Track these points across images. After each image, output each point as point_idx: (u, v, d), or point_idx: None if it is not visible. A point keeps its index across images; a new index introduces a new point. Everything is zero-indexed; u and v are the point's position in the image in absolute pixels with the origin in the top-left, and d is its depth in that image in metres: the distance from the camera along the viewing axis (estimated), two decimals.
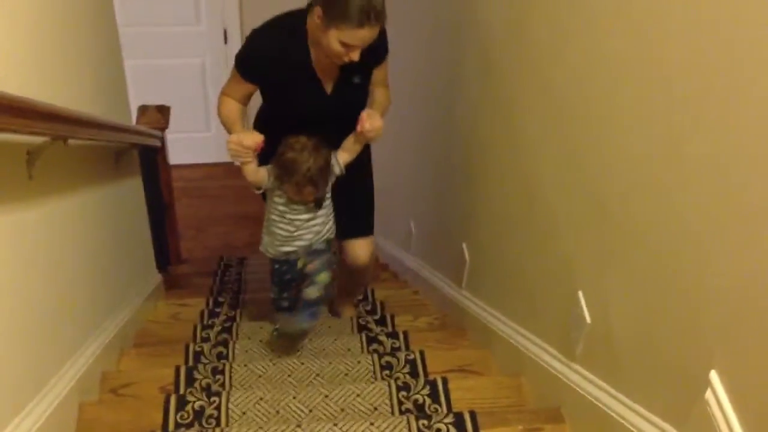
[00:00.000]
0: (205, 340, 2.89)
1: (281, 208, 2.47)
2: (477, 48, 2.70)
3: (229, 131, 2.48)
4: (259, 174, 2.42)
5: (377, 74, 2.55)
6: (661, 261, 1.50)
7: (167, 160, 4.34)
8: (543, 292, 2.14)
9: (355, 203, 2.74)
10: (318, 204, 2.46)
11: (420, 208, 3.62)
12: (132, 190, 3.25)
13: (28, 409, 1.79)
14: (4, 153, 1.71)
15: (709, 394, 1.32)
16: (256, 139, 2.32)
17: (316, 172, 2.31)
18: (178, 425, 2.09)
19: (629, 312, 1.66)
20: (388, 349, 2.67)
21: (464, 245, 2.86)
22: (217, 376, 2.42)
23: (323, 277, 2.60)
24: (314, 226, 2.51)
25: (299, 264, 2.58)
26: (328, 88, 2.48)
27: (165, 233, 4.27)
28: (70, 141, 2.06)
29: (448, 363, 2.50)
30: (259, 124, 2.66)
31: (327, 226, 2.56)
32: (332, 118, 2.47)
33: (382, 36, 2.37)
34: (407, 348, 2.69)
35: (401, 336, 2.76)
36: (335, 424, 1.94)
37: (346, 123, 2.42)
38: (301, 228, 2.49)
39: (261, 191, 2.49)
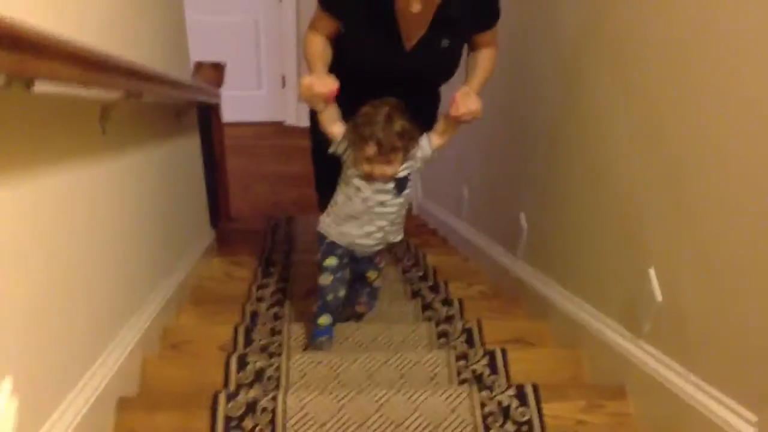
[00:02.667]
0: (260, 300, 2.91)
1: (356, 181, 2.18)
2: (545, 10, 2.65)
3: (310, 68, 2.24)
4: (334, 127, 2.16)
5: (483, 37, 2.28)
6: (738, 238, 1.48)
7: (221, 118, 4.36)
8: (609, 267, 2.12)
9: None
10: (399, 186, 2.19)
11: (474, 173, 3.60)
12: (190, 147, 3.27)
13: (101, 360, 1.83)
14: (81, 108, 1.72)
15: None
16: (328, 85, 2.06)
17: (389, 134, 2.03)
18: (239, 385, 2.11)
19: (704, 290, 1.63)
20: (443, 317, 2.67)
21: (522, 214, 2.84)
22: (275, 337, 2.44)
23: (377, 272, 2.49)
24: (390, 213, 2.24)
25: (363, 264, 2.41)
26: (408, 41, 2.20)
27: (218, 191, 4.31)
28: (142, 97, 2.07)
29: (503, 333, 2.49)
30: (334, 72, 2.25)
31: (399, 223, 2.31)
32: (408, 79, 2.19)
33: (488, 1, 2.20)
34: (461, 316, 2.69)
35: (456, 304, 2.75)
36: (398, 390, 1.94)
37: (426, 89, 2.25)
38: (374, 210, 2.21)
39: (333, 151, 2.20)
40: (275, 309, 2.73)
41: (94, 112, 1.82)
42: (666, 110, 1.77)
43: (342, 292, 2.35)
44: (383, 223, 2.25)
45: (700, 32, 1.62)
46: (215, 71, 4.01)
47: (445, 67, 2.27)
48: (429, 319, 2.63)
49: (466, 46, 2.32)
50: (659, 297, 1.80)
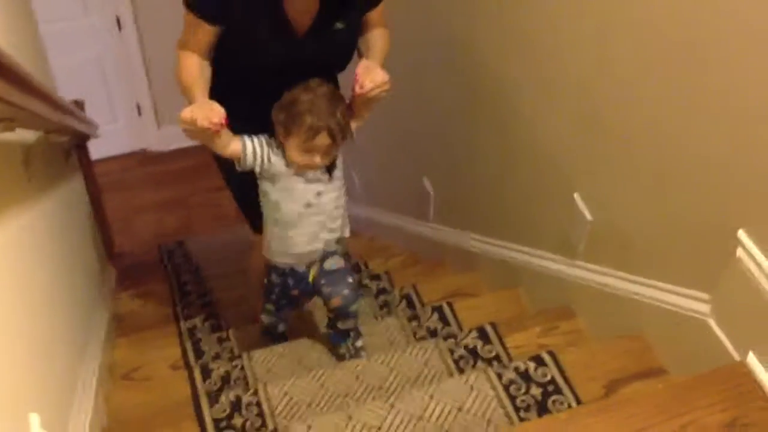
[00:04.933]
0: (191, 317, 2.90)
1: (283, 182, 1.93)
2: None
3: (187, 97, 1.91)
4: (232, 145, 1.88)
5: (372, 15, 2.06)
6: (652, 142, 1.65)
7: (89, 155, 4.25)
8: (532, 204, 2.27)
9: None
10: (329, 170, 1.95)
11: (363, 155, 3.69)
12: (79, 187, 3.20)
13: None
14: (4, 153, 1.69)
15: (740, 252, 1.47)
16: (212, 116, 1.72)
17: (338, 119, 1.81)
18: (209, 393, 2.13)
19: (630, 198, 1.79)
20: (376, 291, 2.77)
21: (425, 178, 2.97)
22: (224, 344, 2.46)
23: (354, 307, 2.13)
24: (328, 203, 1.97)
25: (310, 273, 2.11)
26: (300, 28, 1.94)
27: (101, 229, 4.20)
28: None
29: (439, 292, 2.61)
30: (218, 89, 1.97)
31: (341, 210, 2.06)
32: (308, 73, 1.91)
33: None
34: (392, 286, 2.79)
35: (384, 276, 2.85)
36: (368, 358, 2.03)
37: (329, 80, 1.95)
38: (312, 206, 1.96)
39: (241, 168, 1.94)
40: (211, 321, 2.74)
41: (17, 157, 1.79)
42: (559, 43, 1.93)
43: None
44: (322, 217, 1.99)
45: None
46: (78, 108, 3.91)
47: (343, 51, 2.06)
48: (364, 296, 2.71)
49: None
50: (589, 216, 1.96)
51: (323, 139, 1.81)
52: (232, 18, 1.89)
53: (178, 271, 3.82)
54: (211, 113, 1.73)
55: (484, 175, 2.53)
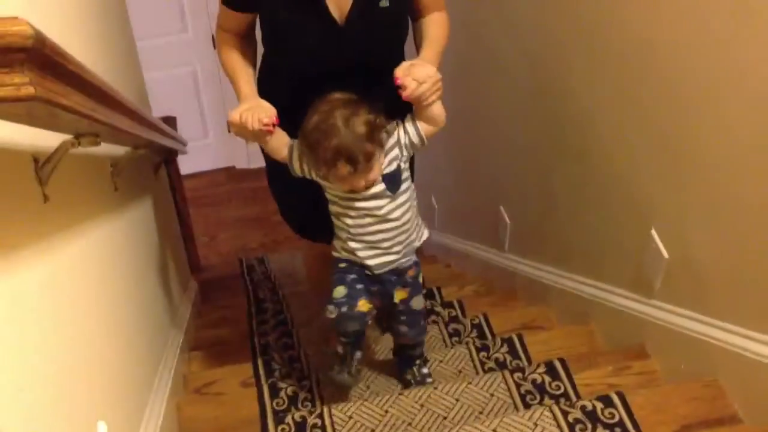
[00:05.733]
0: (264, 334, 2.95)
1: (338, 195, 1.81)
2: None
3: (233, 87, 1.87)
4: (286, 150, 1.80)
5: None
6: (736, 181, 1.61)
7: (179, 170, 4.40)
8: (608, 237, 2.23)
9: None
10: (391, 185, 1.77)
11: (441, 180, 3.70)
12: (167, 200, 3.31)
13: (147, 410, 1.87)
14: (95, 164, 1.77)
15: None
16: (264, 116, 1.66)
17: (356, 141, 1.61)
18: (276, 411, 2.16)
19: (709, 237, 1.74)
20: (447, 319, 2.76)
21: (502, 208, 2.96)
22: (295, 364, 2.49)
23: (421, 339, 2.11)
24: (394, 218, 1.81)
25: (396, 293, 1.97)
26: (339, 13, 1.75)
27: (186, 243, 4.33)
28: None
29: (510, 323, 2.59)
30: (263, 84, 1.92)
31: (412, 221, 1.88)
32: (352, 65, 1.78)
33: None
34: (464, 315, 2.78)
35: (456, 305, 2.85)
36: (435, 387, 2.02)
37: (378, 73, 1.75)
38: (375, 222, 1.80)
39: (298, 175, 1.83)
40: (284, 339, 2.78)
41: (105, 168, 1.87)
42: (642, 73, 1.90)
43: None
44: (391, 233, 1.84)
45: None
46: (169, 125, 4.05)
47: (391, 35, 1.86)
48: (435, 323, 2.71)
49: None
50: (666, 254, 1.92)
51: (343, 168, 1.64)
52: (262, 7, 1.79)
53: (256, 288, 3.89)
54: (261, 114, 1.67)
55: (559, 206, 2.51)
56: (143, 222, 2.39)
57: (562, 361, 2.07)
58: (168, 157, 3.73)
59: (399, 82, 1.64)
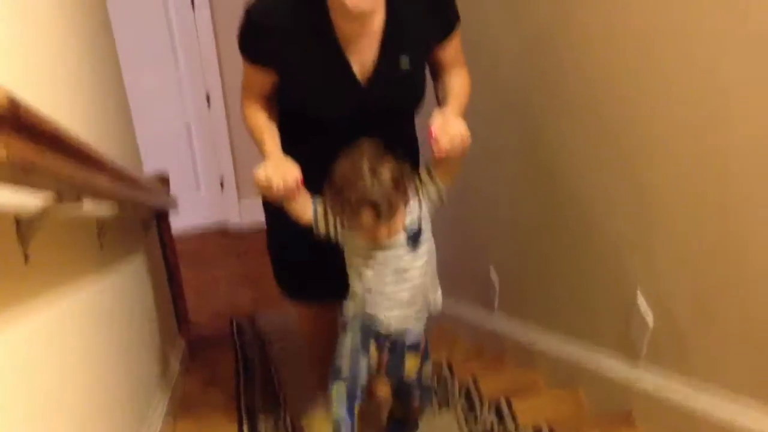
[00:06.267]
0: (251, 395, 2.92)
1: (359, 250, 1.77)
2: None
3: (258, 148, 1.86)
4: (307, 211, 1.79)
5: (446, 52, 1.87)
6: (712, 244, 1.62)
7: (170, 227, 4.39)
8: (595, 301, 2.23)
9: None
10: (412, 240, 1.75)
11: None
12: (155, 258, 3.29)
13: None
14: (81, 224, 1.77)
15: None
16: (289, 175, 1.67)
17: (382, 190, 1.59)
18: None
19: (695, 303, 1.74)
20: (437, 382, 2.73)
21: (491, 267, 2.95)
22: (279, 424, 2.46)
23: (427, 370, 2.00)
24: (415, 275, 1.77)
25: (405, 365, 1.90)
26: (361, 72, 1.79)
27: (175, 299, 4.30)
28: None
29: (498, 386, 2.56)
30: (286, 136, 1.90)
31: (430, 280, 1.87)
32: (373, 118, 1.79)
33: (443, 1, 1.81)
34: (452, 377, 2.75)
35: (445, 367, 2.82)
36: None
37: (395, 127, 1.84)
38: (395, 277, 1.76)
39: (323, 234, 1.82)
40: (271, 400, 2.75)
41: (91, 227, 1.87)
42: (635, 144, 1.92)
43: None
44: (410, 291, 1.78)
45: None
46: (161, 183, 4.06)
47: (412, 94, 1.88)
48: None
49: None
50: (651, 318, 1.91)
51: (368, 216, 1.62)
52: (279, 62, 1.80)
53: (245, 347, 3.86)
54: (286, 174, 1.67)
55: (548, 268, 2.51)
56: (130, 280, 2.38)
57: (550, 428, 2.05)
58: (159, 215, 3.73)
59: (435, 136, 1.63)
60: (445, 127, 1.64)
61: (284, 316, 4.24)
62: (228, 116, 5.42)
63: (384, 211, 1.61)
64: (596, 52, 1.99)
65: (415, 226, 1.76)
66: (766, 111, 1.41)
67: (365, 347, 1.82)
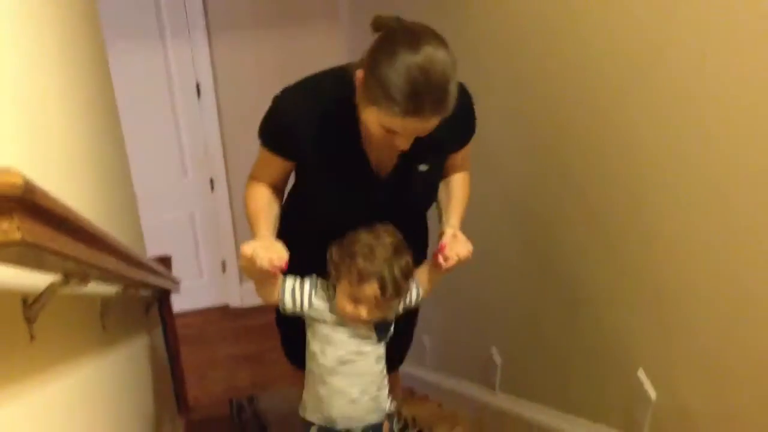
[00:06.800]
0: None
1: (324, 329, 1.79)
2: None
3: (251, 227, 1.81)
4: (273, 296, 1.79)
5: (456, 157, 1.91)
6: (721, 326, 1.64)
7: (171, 309, 4.41)
8: (597, 379, 2.23)
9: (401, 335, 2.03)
10: (381, 331, 1.81)
11: (434, 320, 3.72)
12: (157, 340, 3.31)
13: None
14: (84, 304, 1.80)
15: None
16: (275, 258, 1.60)
17: (396, 272, 1.65)
18: None
19: (696, 382, 1.76)
20: None
21: (493, 348, 2.97)
22: None
23: None
24: (367, 366, 1.82)
25: None
26: (381, 173, 1.81)
27: (175, 382, 4.29)
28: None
29: None
30: (286, 225, 1.90)
31: (383, 379, 1.89)
32: (385, 215, 1.78)
33: (465, 115, 1.78)
34: None
35: None
36: None
37: (407, 223, 1.81)
38: (347, 364, 1.80)
39: (284, 312, 1.82)
40: None
41: (96, 308, 1.90)
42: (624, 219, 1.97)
43: None
44: (358, 381, 1.83)
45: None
46: (163, 265, 4.10)
47: (425, 194, 1.90)
48: None
49: None
50: (653, 395, 1.92)
51: (372, 289, 1.64)
52: (301, 157, 1.80)
53: (245, 428, 3.84)
54: (273, 255, 1.61)
55: (550, 347, 2.52)
56: (131, 362, 2.39)
57: None
58: (161, 296, 3.77)
59: (445, 252, 1.72)
60: (456, 246, 1.73)
61: (283, 397, 4.23)
62: (231, 200, 5.49)
63: (389, 292, 1.65)
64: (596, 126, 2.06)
65: (390, 321, 1.83)
66: None
67: None
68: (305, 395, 1.91)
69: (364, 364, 1.81)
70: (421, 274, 1.86)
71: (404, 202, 1.85)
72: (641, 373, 1.95)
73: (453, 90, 1.49)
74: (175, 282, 3.33)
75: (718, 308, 1.63)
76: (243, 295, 5.74)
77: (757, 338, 1.52)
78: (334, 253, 1.72)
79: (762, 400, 1.54)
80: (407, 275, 1.69)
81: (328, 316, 1.77)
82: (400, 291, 1.69)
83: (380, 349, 1.83)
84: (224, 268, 5.72)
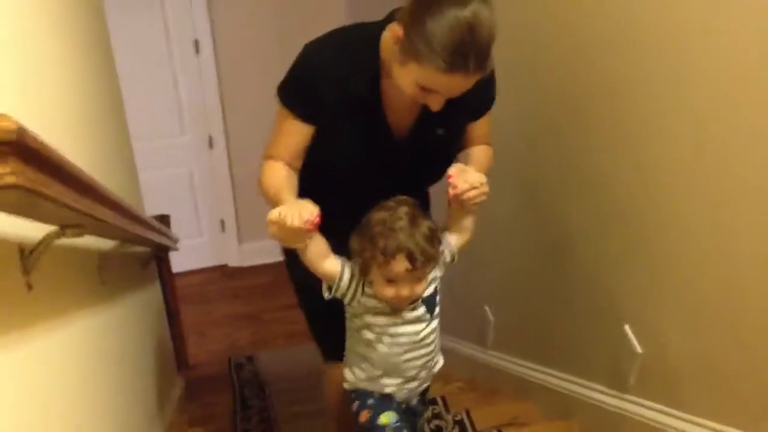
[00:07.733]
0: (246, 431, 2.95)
1: (371, 320, 1.70)
2: None
3: (274, 203, 1.62)
4: (326, 263, 1.66)
5: (475, 128, 1.87)
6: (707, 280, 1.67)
7: (170, 267, 4.44)
8: (586, 334, 2.28)
9: None
10: (430, 307, 1.73)
11: None
12: (155, 297, 3.35)
13: None
14: (81, 258, 1.82)
15: None
16: (306, 213, 1.49)
17: (420, 240, 1.57)
18: None
19: (682, 333, 1.80)
20: (430, 416, 2.76)
21: (486, 307, 3.00)
22: None
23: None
24: (428, 345, 1.76)
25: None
26: (397, 135, 1.78)
27: (175, 340, 4.33)
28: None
29: (492, 419, 2.59)
30: (300, 193, 1.74)
31: (438, 345, 1.85)
32: (398, 177, 1.74)
33: (488, 82, 1.72)
34: (447, 411, 2.79)
35: (439, 401, 2.85)
36: None
37: (416, 188, 1.79)
38: (411, 349, 1.72)
39: (332, 295, 1.69)
40: None
41: (92, 261, 1.92)
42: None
43: None
44: (422, 360, 1.77)
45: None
46: (162, 223, 4.12)
47: (439, 160, 1.80)
48: None
49: None
50: (639, 349, 1.96)
51: (401, 264, 1.56)
52: (326, 116, 1.73)
53: (243, 385, 3.89)
54: (303, 211, 1.50)
55: (540, 305, 2.56)
56: (130, 317, 2.42)
57: None
58: (159, 254, 3.79)
59: (451, 180, 1.61)
60: (464, 174, 1.62)
61: (281, 356, 4.29)
62: (230, 158, 5.49)
63: (419, 261, 1.57)
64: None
65: (434, 294, 1.75)
66: None
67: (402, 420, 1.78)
68: (356, 370, 1.80)
69: (421, 345, 1.74)
70: (451, 223, 1.77)
71: (418, 167, 1.81)
72: (627, 328, 1.99)
73: (492, 50, 1.47)
74: (173, 239, 3.35)
75: (705, 265, 1.66)
76: (242, 255, 5.76)
77: (743, 289, 1.56)
78: (354, 243, 1.64)
79: (741, 348, 1.60)
80: (431, 240, 1.60)
81: (380, 308, 1.68)
82: (429, 257, 1.60)
83: (434, 324, 1.77)
84: (223, 228, 5.73)
